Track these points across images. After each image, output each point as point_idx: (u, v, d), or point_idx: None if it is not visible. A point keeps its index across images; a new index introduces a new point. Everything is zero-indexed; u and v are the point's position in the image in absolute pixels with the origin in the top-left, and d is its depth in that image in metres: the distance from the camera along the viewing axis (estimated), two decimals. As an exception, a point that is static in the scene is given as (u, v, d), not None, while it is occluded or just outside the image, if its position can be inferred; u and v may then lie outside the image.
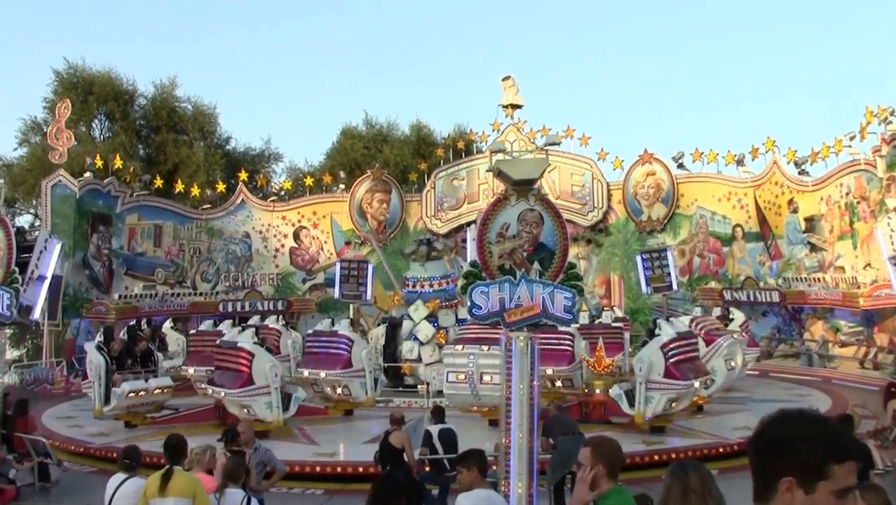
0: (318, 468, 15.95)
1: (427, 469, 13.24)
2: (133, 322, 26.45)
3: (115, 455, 17.33)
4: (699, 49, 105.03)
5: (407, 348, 25.66)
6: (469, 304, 11.92)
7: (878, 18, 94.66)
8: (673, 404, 18.30)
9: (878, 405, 18.80)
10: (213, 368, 20.16)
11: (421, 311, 25.99)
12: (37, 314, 15.06)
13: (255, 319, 27.56)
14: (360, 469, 15.22)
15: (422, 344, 25.44)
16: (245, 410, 18.41)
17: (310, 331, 24.37)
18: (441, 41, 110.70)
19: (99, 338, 20.95)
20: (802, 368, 30.71)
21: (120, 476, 8.62)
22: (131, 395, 19.62)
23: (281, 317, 30.72)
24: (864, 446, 11.45)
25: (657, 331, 19.49)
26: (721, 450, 16.72)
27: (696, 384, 18.42)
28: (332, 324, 23.71)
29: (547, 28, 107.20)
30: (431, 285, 26.67)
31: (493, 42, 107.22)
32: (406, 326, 26.14)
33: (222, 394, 19.07)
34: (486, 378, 18.85)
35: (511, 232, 11.72)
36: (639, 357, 18.86)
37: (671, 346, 18.60)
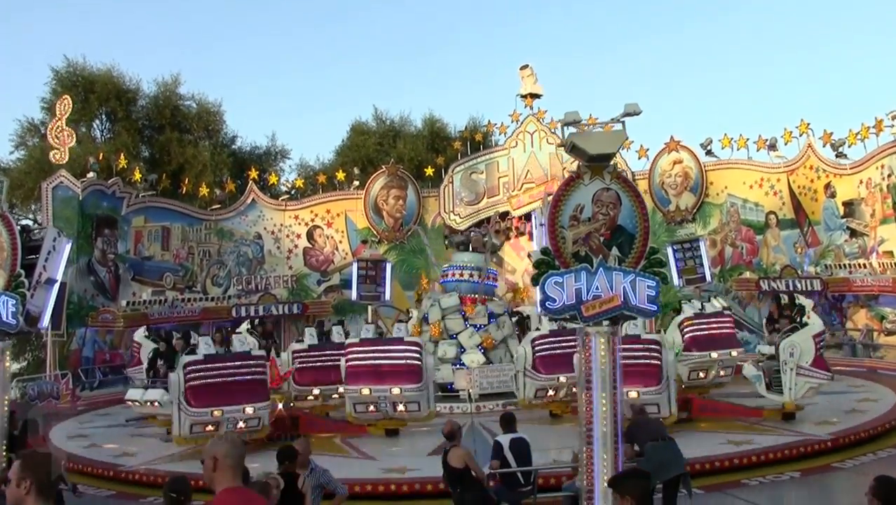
0: (380, 487, 14.29)
1: (493, 483, 11.82)
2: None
3: (138, 477, 16.00)
4: (725, 29, 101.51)
5: None
6: (541, 296, 10.57)
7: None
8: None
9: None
10: None
11: None
12: (46, 322, 13.40)
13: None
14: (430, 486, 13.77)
15: None
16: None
17: (200, 355, 18.00)
18: (450, 29, 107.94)
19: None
20: (846, 358, 29.43)
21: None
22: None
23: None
24: None
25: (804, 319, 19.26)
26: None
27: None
28: (226, 343, 19.89)
29: (563, 13, 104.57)
30: (463, 275, 25.54)
31: (506, 29, 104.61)
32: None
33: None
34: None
35: (586, 215, 10.46)
36: (790, 342, 18.69)
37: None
